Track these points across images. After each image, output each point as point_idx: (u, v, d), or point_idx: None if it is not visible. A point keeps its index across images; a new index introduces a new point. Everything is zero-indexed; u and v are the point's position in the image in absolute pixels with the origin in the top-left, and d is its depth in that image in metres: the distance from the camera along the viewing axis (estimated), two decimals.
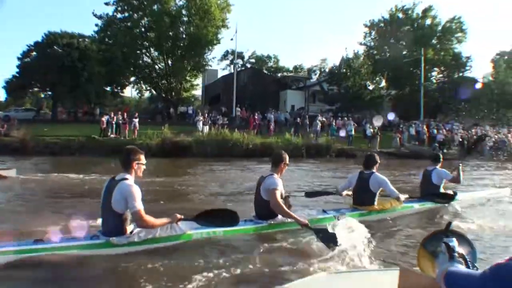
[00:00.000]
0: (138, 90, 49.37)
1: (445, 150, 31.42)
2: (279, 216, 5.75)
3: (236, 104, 40.17)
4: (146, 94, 52.07)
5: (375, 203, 7.02)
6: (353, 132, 31.34)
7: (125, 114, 30.22)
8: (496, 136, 35.09)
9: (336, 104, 42.56)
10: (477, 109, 45.69)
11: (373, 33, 51.67)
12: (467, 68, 51.83)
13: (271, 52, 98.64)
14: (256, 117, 33.81)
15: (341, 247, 4.71)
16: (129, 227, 4.71)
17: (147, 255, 4.61)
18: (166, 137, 25.92)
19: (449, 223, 2.02)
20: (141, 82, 47.22)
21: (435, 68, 52.59)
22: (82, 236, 4.76)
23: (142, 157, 4.83)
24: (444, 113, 48.87)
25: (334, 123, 33.77)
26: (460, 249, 1.73)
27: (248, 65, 68.45)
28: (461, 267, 1.58)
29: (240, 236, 5.45)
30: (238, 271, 4.15)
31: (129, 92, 59.86)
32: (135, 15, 42.03)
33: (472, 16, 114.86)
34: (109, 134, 28.02)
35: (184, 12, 42.14)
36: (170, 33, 41.80)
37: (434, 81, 52.98)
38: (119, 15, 42.21)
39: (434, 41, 51.22)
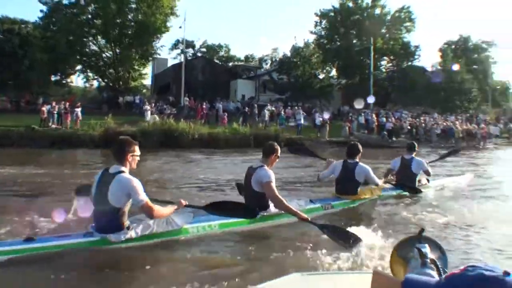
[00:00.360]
0: (85, 79, 47.80)
1: (394, 138, 31.85)
2: (271, 208, 5.72)
3: (185, 94, 39.29)
4: (94, 83, 50.45)
5: (358, 192, 7.16)
6: (302, 121, 31.01)
7: (67, 103, 28.94)
8: (444, 124, 35.74)
9: (287, 94, 42.33)
10: (425, 97, 46.59)
11: (324, 22, 51.55)
12: (415, 57, 52.48)
13: (222, 41, 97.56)
14: (203, 106, 33.13)
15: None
16: (126, 222, 4.51)
17: (143, 251, 4.47)
18: (109, 127, 24.92)
19: (422, 230, 2.05)
20: (88, 70, 45.57)
21: (385, 57, 52.82)
22: (73, 233, 4.57)
23: (137, 148, 4.64)
24: (393, 101, 49.67)
25: (283, 113, 33.44)
26: (431, 255, 1.76)
27: (200, 55, 67.42)
28: (431, 272, 1.60)
29: (235, 229, 5.35)
30: (228, 266, 4.19)
31: (79, 81, 57.99)
32: (82, 1, 40.37)
33: (420, 5, 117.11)
34: (50, 124, 26.73)
35: None
36: (118, 21, 40.57)
37: (384, 70, 53.42)
38: (65, 1, 40.56)
39: (383, 31, 51.41)
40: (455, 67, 46.18)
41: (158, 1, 40.45)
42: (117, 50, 42.72)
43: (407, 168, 8.57)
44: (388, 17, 51.87)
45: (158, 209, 4.49)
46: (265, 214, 5.69)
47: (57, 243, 4.24)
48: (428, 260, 1.73)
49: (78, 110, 27.49)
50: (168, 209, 4.72)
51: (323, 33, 51.63)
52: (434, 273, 1.65)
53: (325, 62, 46.11)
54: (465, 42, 59.40)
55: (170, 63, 60.06)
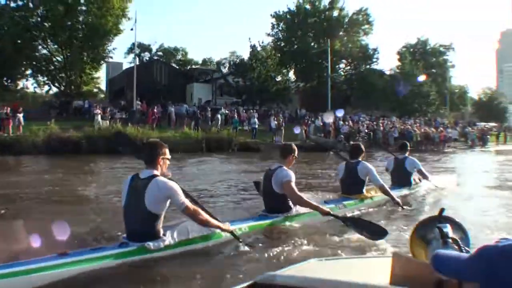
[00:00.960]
0: (36, 84, 45.50)
1: (351, 142, 31.18)
2: (293, 209, 5.72)
3: (138, 97, 37.70)
4: (46, 88, 48.15)
5: (364, 191, 7.20)
6: (256, 125, 29.82)
7: (9, 109, 27.07)
8: (402, 127, 35.35)
9: (243, 97, 41.26)
10: (384, 100, 46.36)
11: (281, 24, 50.85)
12: (374, 60, 52.26)
13: (180, 45, 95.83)
14: (155, 110, 31.63)
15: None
16: (162, 229, 4.23)
17: (180, 258, 4.23)
18: (52, 133, 23.36)
19: (442, 209, 1.93)
20: (38, 75, 43.22)
21: (343, 60, 52.22)
22: (107, 245, 4.18)
23: (167, 151, 4.37)
24: (352, 105, 49.24)
25: (236, 116, 32.13)
26: (453, 235, 1.68)
27: (156, 58, 65.85)
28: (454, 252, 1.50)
29: (260, 231, 5.26)
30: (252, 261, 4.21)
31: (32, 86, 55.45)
32: (30, 3, 38.20)
33: (379, 8, 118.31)
34: None
35: (81, 0, 38.97)
36: (67, 23, 38.53)
37: (342, 73, 52.83)
38: (12, 4, 38.24)
39: (341, 33, 50.91)
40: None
41: (109, 3, 38.71)
42: (67, 54, 40.79)
43: (401, 168, 8.66)
44: (346, 20, 51.35)
45: (203, 214, 4.34)
46: (288, 215, 5.67)
47: (91, 256, 3.81)
48: (450, 240, 1.62)
49: (20, 115, 25.71)
50: (213, 221, 4.45)
51: (280, 35, 50.96)
52: (455, 252, 1.50)
53: (282, 65, 45.17)
54: (424, 46, 59.57)
55: (126, 67, 58.39)
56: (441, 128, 39.01)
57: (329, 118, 33.46)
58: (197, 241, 4.53)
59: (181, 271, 4.02)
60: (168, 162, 4.37)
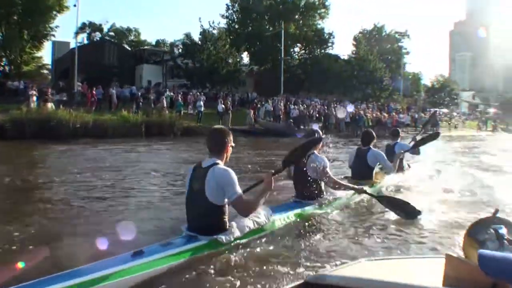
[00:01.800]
0: None
1: (302, 127, 30.32)
2: (325, 194, 5.77)
3: (81, 79, 35.57)
4: None
5: (373, 176, 7.28)
6: (202, 108, 28.32)
7: None
8: (353, 112, 34.65)
9: (192, 79, 39.62)
10: (338, 85, 45.64)
11: (236, 6, 49.21)
12: (329, 44, 51.42)
13: (133, 25, 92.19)
14: (94, 92, 29.70)
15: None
16: (228, 221, 4.00)
17: (245, 248, 4.02)
18: None
19: (497, 210, 1.92)
20: None
21: (298, 44, 51.21)
22: (172, 240, 3.81)
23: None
24: (307, 89, 48.33)
25: (180, 99, 30.41)
26: (510, 236, 1.64)
27: (108, 38, 63.14)
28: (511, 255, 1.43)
29: (303, 219, 5.16)
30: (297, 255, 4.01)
31: None
32: None
33: None
34: None
35: None
36: None
37: (297, 57, 51.74)
38: None
39: (297, 16, 49.75)
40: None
41: None
42: (4, 30, 38.11)
43: (393, 153, 8.51)
44: (302, 3, 50.07)
45: (252, 202, 4.04)
46: (327, 201, 5.72)
47: (168, 253, 3.55)
48: (506, 241, 1.57)
49: None
50: (259, 199, 4.11)
51: (235, 17, 49.39)
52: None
53: (236, 47, 43.74)
54: (379, 32, 59.30)
55: (74, 46, 55.46)
56: (394, 113, 38.62)
57: (341, 114, 32.74)
58: (256, 232, 4.35)
59: (249, 263, 3.78)
60: (231, 149, 4.14)
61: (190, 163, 12.08)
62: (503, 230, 1.68)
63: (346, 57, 51.80)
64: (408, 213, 5.19)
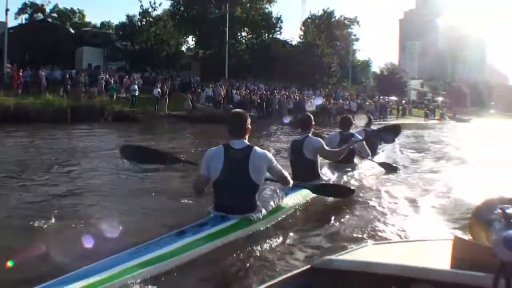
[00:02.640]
0: None
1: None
2: (321, 176, 6.08)
3: (9, 60, 33.23)
4: None
5: (355, 161, 7.80)
6: (137, 93, 26.64)
7: None
8: (297, 98, 33.81)
9: (132, 62, 37.73)
10: (286, 71, 44.67)
11: None
12: (277, 29, 50.41)
13: (77, 6, 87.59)
14: (20, 74, 27.55)
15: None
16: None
17: (270, 225, 4.33)
18: None
19: (503, 192, 1.81)
20: None
21: (246, 28, 49.91)
22: (201, 220, 3.90)
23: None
24: (253, 75, 47.22)
25: (113, 82, 28.36)
26: None
27: (50, 20, 60.03)
28: None
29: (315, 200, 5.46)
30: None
31: None
32: None
33: None
34: None
35: None
36: None
37: (244, 41, 50.49)
38: None
39: (244, 0, 48.46)
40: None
41: None
42: None
43: (370, 140, 8.66)
44: None
45: (287, 176, 4.41)
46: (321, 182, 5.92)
47: (207, 232, 3.65)
48: None
49: None
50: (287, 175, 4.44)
51: None
52: None
53: (181, 30, 42.11)
54: (328, 18, 58.59)
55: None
56: (341, 100, 38.09)
57: (310, 107, 31.63)
58: (277, 210, 4.56)
59: (274, 240, 3.93)
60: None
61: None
62: (510, 210, 1.55)
63: (294, 43, 50.90)
64: (343, 193, 5.54)
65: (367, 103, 41.89)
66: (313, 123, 6.25)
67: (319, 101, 34.75)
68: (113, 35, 43.58)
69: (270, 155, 4.19)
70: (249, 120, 4.23)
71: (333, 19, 58.79)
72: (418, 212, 5.34)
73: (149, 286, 2.89)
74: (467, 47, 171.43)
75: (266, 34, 50.16)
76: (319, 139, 5.98)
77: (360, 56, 66.90)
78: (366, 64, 62.56)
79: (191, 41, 48.68)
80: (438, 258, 1.75)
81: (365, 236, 4.19)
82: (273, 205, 4.44)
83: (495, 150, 14.29)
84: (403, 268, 1.56)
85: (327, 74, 47.18)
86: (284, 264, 3.44)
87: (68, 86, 26.66)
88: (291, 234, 4.19)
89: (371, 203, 5.60)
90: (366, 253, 1.99)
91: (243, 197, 4.06)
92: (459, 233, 2.67)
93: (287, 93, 34.94)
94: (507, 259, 1.31)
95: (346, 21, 60.23)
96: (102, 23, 66.96)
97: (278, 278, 1.67)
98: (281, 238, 4.01)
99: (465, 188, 6.84)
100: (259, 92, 32.30)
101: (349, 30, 60.21)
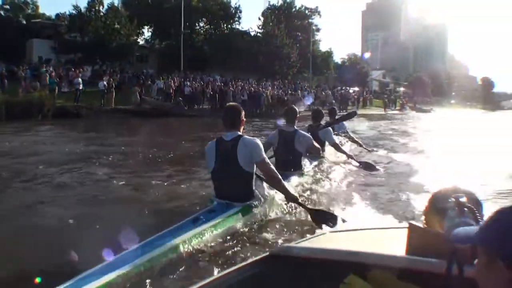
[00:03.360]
0: None
1: (195, 106, 28.25)
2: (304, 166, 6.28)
3: None
4: None
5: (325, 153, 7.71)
6: (81, 86, 25.11)
7: None
8: (252, 89, 32.74)
9: (79, 54, 35.88)
10: (245, 62, 43.57)
11: None
12: (236, 19, 49.27)
13: None
14: None
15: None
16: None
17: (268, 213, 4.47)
18: None
19: (456, 181, 2.40)
20: None
21: (204, 19, 48.62)
22: (208, 208, 4.08)
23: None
24: (211, 66, 45.94)
25: (54, 75, 26.52)
26: (469, 204, 1.62)
27: (2, 13, 57.21)
28: (470, 221, 1.49)
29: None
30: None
31: None
32: None
33: None
34: None
35: None
36: None
37: (202, 32, 49.09)
38: None
39: None
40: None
41: None
42: None
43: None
44: None
45: (276, 174, 4.34)
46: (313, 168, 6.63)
47: (219, 219, 3.82)
48: (466, 209, 1.57)
49: None
50: (283, 183, 4.43)
51: None
52: (472, 222, 1.47)
53: (132, 19, 40.43)
54: (289, 8, 57.66)
55: None
56: (299, 91, 37.28)
57: (300, 107, 30.33)
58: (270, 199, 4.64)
59: (275, 226, 4.22)
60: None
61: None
62: (464, 199, 1.62)
63: (254, 33, 49.78)
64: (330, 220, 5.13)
65: (323, 93, 41.14)
66: (298, 116, 6.45)
67: (309, 100, 34.06)
68: (63, 27, 41.53)
69: (257, 142, 4.21)
70: (243, 113, 4.38)
71: (293, 9, 57.84)
72: (376, 201, 5.50)
73: (173, 273, 3.07)
74: (429, 38, 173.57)
75: (225, 25, 48.90)
76: (310, 135, 6.27)
77: (323, 47, 66.51)
78: (328, 55, 61.59)
79: (148, 32, 46.90)
80: (394, 245, 1.75)
81: (323, 224, 4.19)
82: (268, 196, 4.53)
83: (454, 140, 14.81)
84: (360, 255, 1.58)
85: (286, 64, 46.16)
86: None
87: (6, 81, 24.87)
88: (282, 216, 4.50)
89: (333, 193, 5.78)
90: (324, 240, 2.05)
91: (237, 186, 4.17)
92: (415, 221, 2.24)
93: (242, 84, 33.84)
94: (459, 245, 1.34)
95: (307, 11, 59.26)
96: (57, 15, 64.44)
97: (236, 266, 1.68)
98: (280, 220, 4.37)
99: (423, 177, 7.15)
100: (211, 84, 30.99)
101: (310, 20, 59.30)
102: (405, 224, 1.87)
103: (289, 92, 35.40)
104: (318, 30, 60.14)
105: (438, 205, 1.75)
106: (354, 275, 1.61)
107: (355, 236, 2.18)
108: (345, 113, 10.95)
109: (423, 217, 1.86)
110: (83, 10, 37.46)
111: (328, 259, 1.63)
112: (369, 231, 2.42)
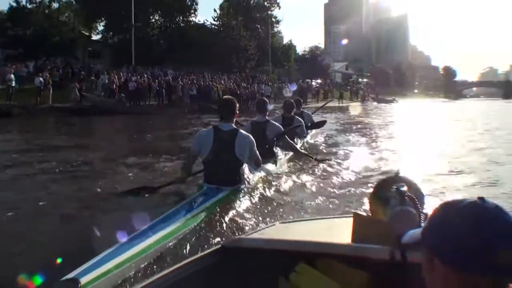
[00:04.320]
0: None
1: (141, 103, 26.47)
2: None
3: None
4: None
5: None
6: (14, 83, 22.95)
7: None
8: (201, 83, 31.07)
9: (20, 49, 33.34)
10: (200, 55, 41.80)
11: None
12: (192, 12, 47.45)
13: None
14: None
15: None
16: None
17: (254, 194, 4.88)
18: None
19: (398, 171, 1.96)
20: None
21: (159, 11, 46.43)
22: (202, 192, 4.49)
23: None
24: (167, 61, 43.93)
25: None
26: (409, 193, 1.73)
27: None
28: (411, 209, 1.60)
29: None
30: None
31: None
32: None
33: None
34: None
35: None
36: None
37: (157, 26, 46.86)
38: None
39: None
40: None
41: None
42: None
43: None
44: None
45: (260, 161, 5.15)
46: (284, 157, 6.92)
47: (213, 200, 4.26)
48: (407, 198, 1.67)
49: None
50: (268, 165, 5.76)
51: None
52: (413, 209, 1.59)
53: (78, 12, 38.20)
54: (247, 0, 56.09)
55: None
56: (256, 85, 35.84)
57: (287, 93, 32.79)
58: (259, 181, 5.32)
59: (259, 204, 4.65)
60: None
61: None
62: (405, 188, 1.73)
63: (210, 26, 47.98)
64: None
65: (286, 86, 39.84)
66: (269, 107, 6.94)
67: (293, 87, 37.29)
68: (4, 21, 38.89)
69: (253, 140, 4.75)
70: (237, 106, 4.84)
71: (252, 1, 56.23)
72: (325, 191, 5.52)
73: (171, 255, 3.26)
74: (390, 29, 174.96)
75: (181, 17, 46.97)
76: (280, 126, 6.55)
77: (286, 39, 65.35)
78: (288, 47, 60.26)
79: (101, 26, 44.54)
80: (341, 233, 1.78)
81: (275, 215, 4.41)
82: (251, 180, 5.05)
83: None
84: (308, 244, 1.66)
85: (244, 57, 44.65)
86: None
87: None
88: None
89: (287, 184, 5.73)
90: (274, 231, 2.11)
91: (230, 172, 4.63)
92: (360, 210, 2.94)
93: (194, 78, 32.12)
94: (401, 232, 1.36)
95: (266, 3, 57.62)
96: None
97: (189, 258, 1.71)
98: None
99: (370, 166, 7.45)
100: (158, 79, 29.11)
101: (270, 12, 57.65)
102: (350, 213, 1.86)
103: (243, 85, 33.74)
104: (278, 22, 58.70)
105: (381, 194, 1.80)
106: (304, 264, 1.65)
107: (304, 226, 2.32)
108: (317, 121, 10.89)
109: (368, 206, 1.89)
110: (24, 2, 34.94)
111: (278, 249, 1.67)
112: (318, 221, 2.61)
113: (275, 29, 58.02)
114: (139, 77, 28.67)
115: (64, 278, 2.40)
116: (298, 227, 2.28)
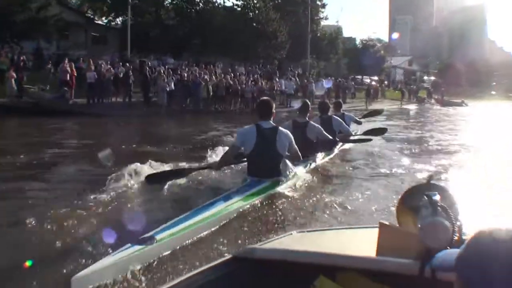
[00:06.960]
0: None
1: (100, 99, 20.53)
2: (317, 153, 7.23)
3: None
4: None
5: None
6: None
7: None
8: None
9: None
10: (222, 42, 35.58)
11: None
12: None
13: None
14: None
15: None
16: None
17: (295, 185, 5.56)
18: None
19: (431, 176, 1.89)
20: None
21: None
22: (242, 186, 5.06)
23: None
24: (188, 51, 38.02)
25: None
26: (442, 203, 1.60)
27: None
28: (444, 221, 1.45)
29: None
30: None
31: None
32: None
33: None
34: None
35: None
36: None
37: (171, 8, 40.54)
38: None
39: None
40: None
41: None
42: None
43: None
44: None
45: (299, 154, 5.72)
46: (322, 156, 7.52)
47: (252, 191, 4.82)
48: (440, 208, 1.54)
49: None
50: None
51: None
52: (446, 221, 1.45)
53: None
54: None
55: None
56: (276, 79, 29.13)
57: (320, 91, 30.11)
58: (295, 175, 5.78)
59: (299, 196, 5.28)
60: None
61: None
62: (437, 197, 1.59)
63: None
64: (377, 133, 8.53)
65: (317, 82, 32.76)
66: (310, 109, 7.62)
67: (329, 84, 32.33)
68: None
69: (290, 134, 5.48)
70: (274, 105, 5.57)
71: None
72: (349, 200, 5.45)
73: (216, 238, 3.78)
74: (465, 21, 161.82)
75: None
76: (320, 126, 7.13)
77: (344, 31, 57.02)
78: (335, 36, 51.84)
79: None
80: (364, 245, 1.72)
81: (292, 222, 4.52)
82: (292, 172, 5.61)
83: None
84: (328, 257, 1.55)
85: (271, 45, 37.71)
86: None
87: None
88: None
89: (317, 184, 6.09)
90: (290, 241, 2.00)
91: (271, 165, 5.27)
92: (387, 220, 2.13)
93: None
94: (433, 245, 1.33)
95: None
96: None
97: (199, 269, 1.66)
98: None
99: (397, 175, 7.29)
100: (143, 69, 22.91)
101: None
102: (376, 223, 1.77)
103: (251, 79, 26.95)
104: (323, 6, 49.53)
105: (410, 203, 1.70)
106: (324, 277, 1.58)
107: (323, 237, 2.16)
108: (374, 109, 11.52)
109: (396, 216, 1.78)
110: None
111: (294, 261, 1.60)
112: (338, 231, 2.50)
113: (320, 15, 49.36)
114: (121, 67, 22.71)
115: (141, 236, 3.19)
116: (317, 237, 2.16)
